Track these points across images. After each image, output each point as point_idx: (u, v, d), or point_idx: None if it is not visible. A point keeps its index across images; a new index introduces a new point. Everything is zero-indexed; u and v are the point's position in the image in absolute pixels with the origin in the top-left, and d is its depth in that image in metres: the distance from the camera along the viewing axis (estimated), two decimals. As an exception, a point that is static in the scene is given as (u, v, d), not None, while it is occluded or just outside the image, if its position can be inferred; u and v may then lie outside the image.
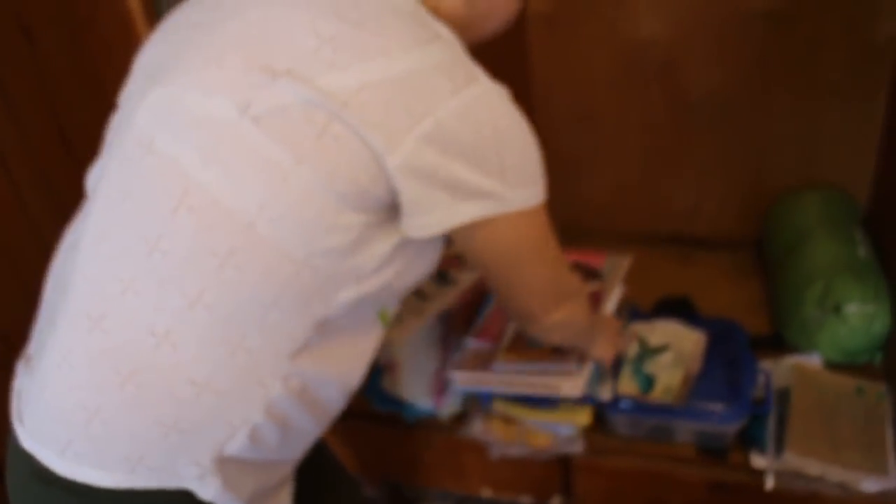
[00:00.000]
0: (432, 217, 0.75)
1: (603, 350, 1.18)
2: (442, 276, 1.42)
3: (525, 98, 1.65)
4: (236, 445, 0.78)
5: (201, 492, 0.78)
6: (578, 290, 1.02)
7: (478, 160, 0.74)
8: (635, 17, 1.52)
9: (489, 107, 0.74)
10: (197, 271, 0.73)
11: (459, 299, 1.39)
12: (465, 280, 1.42)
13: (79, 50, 1.17)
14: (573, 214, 1.76)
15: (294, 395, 0.80)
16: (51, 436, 0.77)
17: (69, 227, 0.85)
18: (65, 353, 0.77)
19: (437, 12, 0.81)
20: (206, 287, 0.73)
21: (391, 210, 0.76)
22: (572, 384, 1.16)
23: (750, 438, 1.19)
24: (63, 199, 1.17)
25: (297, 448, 0.88)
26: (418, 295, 1.37)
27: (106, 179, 0.80)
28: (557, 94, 1.67)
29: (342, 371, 0.85)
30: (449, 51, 0.74)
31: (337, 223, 0.73)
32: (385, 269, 0.79)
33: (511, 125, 0.77)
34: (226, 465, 0.79)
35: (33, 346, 0.84)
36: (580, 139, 1.71)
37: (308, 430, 0.87)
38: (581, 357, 1.18)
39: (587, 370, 1.18)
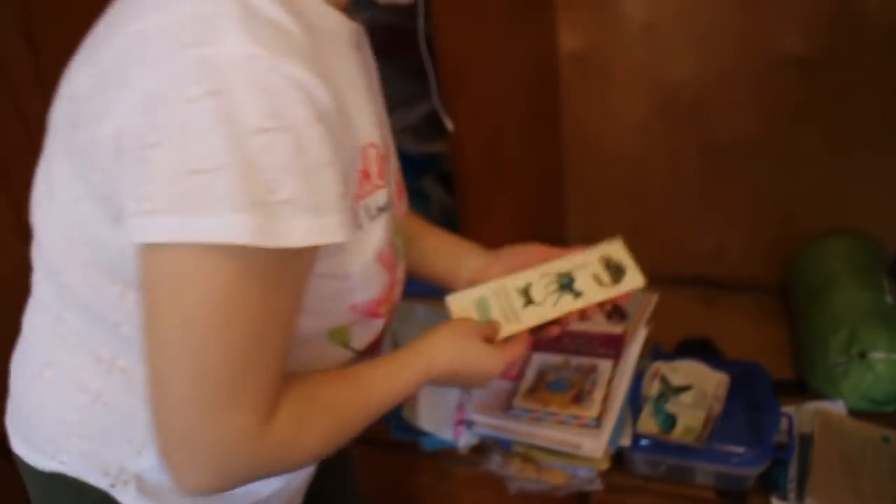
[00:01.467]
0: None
1: (486, 373, 0.84)
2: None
3: (555, 136, 1.69)
4: (146, 464, 0.73)
5: (119, 498, 0.74)
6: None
7: (147, 153, 0.54)
8: (667, 59, 1.55)
9: (196, 76, 0.52)
10: (48, 284, 0.74)
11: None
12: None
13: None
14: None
15: None
16: (9, 405, 0.81)
17: None
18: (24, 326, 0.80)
19: None
20: (64, 304, 0.72)
21: None
22: (593, 445, 1.15)
23: (771, 483, 1.18)
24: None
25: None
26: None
27: None
28: (586, 133, 1.69)
29: None
30: (209, 6, 0.54)
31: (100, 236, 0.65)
32: None
33: (216, 101, 0.52)
34: (143, 483, 0.74)
35: None
36: (608, 178, 1.73)
37: None
38: (605, 410, 1.16)
39: (609, 426, 1.16)
